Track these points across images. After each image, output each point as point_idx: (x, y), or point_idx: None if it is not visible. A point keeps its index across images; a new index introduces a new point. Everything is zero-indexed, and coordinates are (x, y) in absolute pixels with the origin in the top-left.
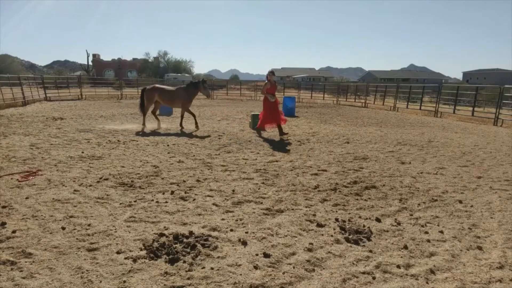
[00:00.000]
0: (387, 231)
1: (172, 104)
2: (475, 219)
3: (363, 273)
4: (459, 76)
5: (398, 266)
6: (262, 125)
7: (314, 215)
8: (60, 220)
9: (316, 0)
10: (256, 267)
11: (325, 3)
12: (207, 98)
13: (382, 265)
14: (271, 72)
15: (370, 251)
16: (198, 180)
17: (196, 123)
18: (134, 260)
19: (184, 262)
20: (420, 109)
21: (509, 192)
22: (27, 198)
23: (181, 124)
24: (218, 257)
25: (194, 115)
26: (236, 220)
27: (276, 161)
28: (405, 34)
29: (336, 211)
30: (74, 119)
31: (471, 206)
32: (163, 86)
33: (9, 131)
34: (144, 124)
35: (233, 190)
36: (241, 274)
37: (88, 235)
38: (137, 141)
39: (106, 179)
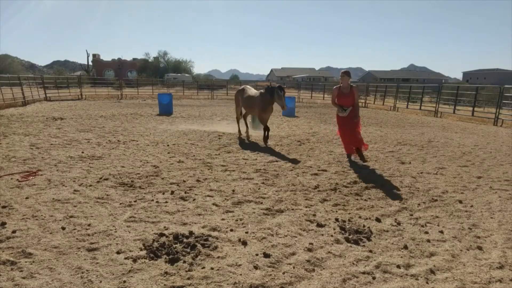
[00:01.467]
0: (387, 231)
1: (250, 110)
2: (475, 219)
3: (363, 273)
4: (459, 76)
5: (398, 266)
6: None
7: (314, 215)
8: (60, 220)
9: (316, 0)
10: (256, 267)
11: (325, 3)
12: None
13: (382, 265)
14: (344, 73)
15: (370, 251)
16: (198, 180)
17: (265, 137)
18: (134, 260)
19: (184, 262)
20: (420, 109)
21: (509, 192)
22: (27, 198)
23: (264, 139)
24: (218, 257)
25: (267, 129)
26: (236, 220)
27: (276, 161)
28: (405, 34)
29: (336, 211)
30: (74, 119)
31: (471, 206)
32: (248, 89)
33: (9, 131)
34: (239, 131)
35: (233, 190)
36: (241, 274)
37: (88, 235)
38: (137, 141)
39: (106, 179)
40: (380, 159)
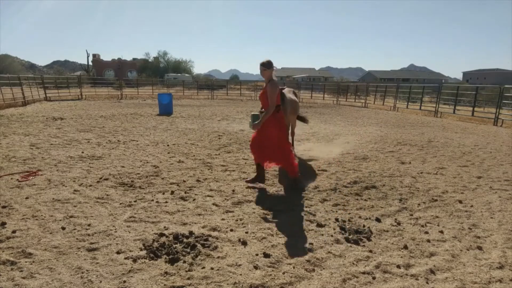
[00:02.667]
0: (387, 231)
1: None
2: (475, 219)
3: (363, 273)
4: (459, 76)
5: (398, 266)
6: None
7: (314, 215)
8: (60, 220)
9: (316, 0)
10: (256, 267)
11: (325, 3)
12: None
13: (382, 265)
14: (261, 64)
15: (370, 251)
16: (198, 180)
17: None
18: (134, 260)
19: (184, 262)
20: (420, 109)
21: (509, 192)
22: (27, 198)
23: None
24: (218, 257)
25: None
26: (236, 220)
27: None
28: (405, 34)
29: (336, 211)
30: (74, 119)
31: (471, 206)
32: (283, 88)
33: (9, 131)
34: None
35: (233, 190)
36: (241, 274)
37: (88, 235)
38: (137, 141)
39: (106, 179)
40: (380, 159)
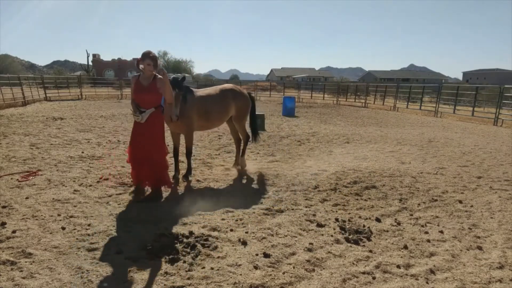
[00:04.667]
0: (387, 231)
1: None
2: (475, 219)
3: (363, 273)
4: (459, 76)
5: (398, 266)
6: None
7: (314, 215)
8: (60, 220)
9: (317, 0)
10: (256, 267)
11: (326, 3)
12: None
13: (382, 265)
14: (145, 55)
15: (370, 251)
16: (198, 180)
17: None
18: (134, 260)
19: (184, 262)
20: (420, 109)
21: (509, 192)
22: (27, 198)
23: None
24: (218, 257)
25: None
26: (236, 220)
27: (276, 161)
28: (405, 34)
29: (336, 211)
30: (74, 119)
31: (471, 206)
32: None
33: (9, 131)
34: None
35: (233, 190)
36: (241, 274)
37: (88, 235)
38: None
39: (106, 179)
40: (380, 159)
